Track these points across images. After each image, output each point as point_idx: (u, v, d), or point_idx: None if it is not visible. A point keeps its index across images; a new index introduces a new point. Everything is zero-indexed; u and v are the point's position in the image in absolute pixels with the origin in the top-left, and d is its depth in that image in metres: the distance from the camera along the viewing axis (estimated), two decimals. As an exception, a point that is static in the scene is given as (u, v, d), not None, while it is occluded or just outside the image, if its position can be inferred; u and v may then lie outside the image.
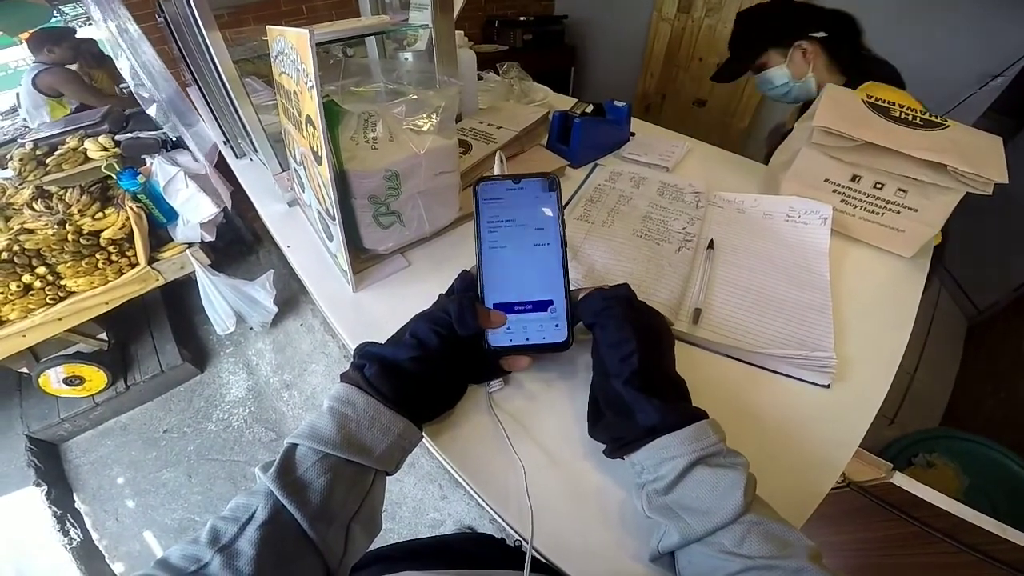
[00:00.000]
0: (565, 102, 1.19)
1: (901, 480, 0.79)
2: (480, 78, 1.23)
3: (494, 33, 2.95)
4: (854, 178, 0.73)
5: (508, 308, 0.50)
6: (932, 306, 2.04)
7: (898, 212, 0.71)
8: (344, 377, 0.44)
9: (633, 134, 1.06)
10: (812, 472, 0.47)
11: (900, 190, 0.70)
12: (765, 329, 0.60)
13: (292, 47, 0.55)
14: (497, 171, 0.63)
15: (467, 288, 0.52)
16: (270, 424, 1.73)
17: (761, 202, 0.79)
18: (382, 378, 0.42)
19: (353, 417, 0.40)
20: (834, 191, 0.75)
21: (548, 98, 1.26)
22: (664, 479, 0.37)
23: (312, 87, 0.50)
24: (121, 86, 2.39)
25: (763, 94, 1.11)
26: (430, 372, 0.45)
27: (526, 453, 0.47)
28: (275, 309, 1.86)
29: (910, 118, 0.70)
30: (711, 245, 0.70)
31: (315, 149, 0.56)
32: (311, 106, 0.52)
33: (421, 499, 1.48)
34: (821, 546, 0.33)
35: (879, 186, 0.71)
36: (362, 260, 0.69)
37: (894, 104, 0.73)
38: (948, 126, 0.69)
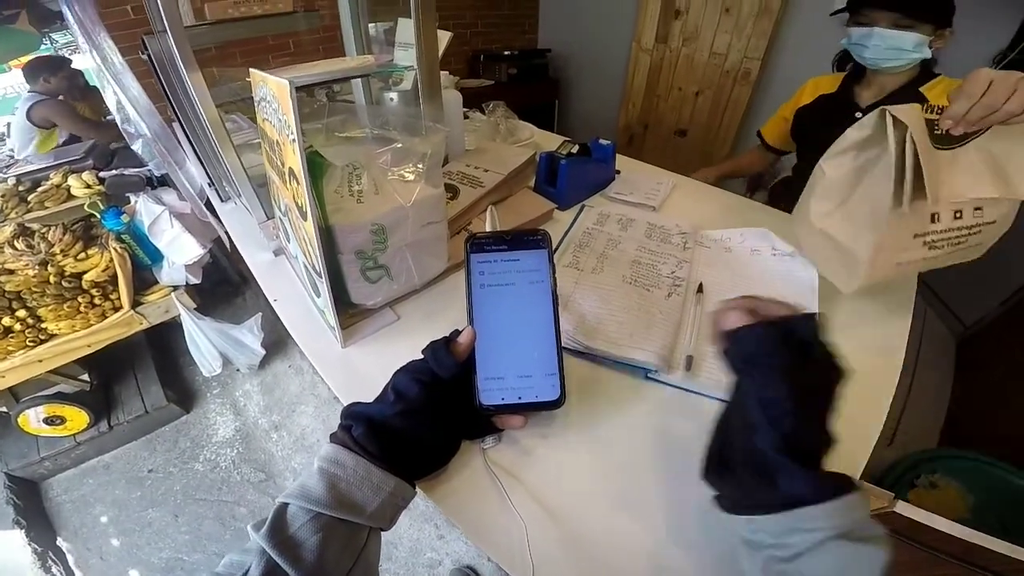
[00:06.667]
0: (551, 140, 1.20)
1: (905, 508, 0.79)
2: (466, 117, 1.24)
3: (479, 68, 3.00)
4: (933, 218, 0.63)
5: (500, 368, 0.50)
6: (920, 325, 2.05)
7: (979, 232, 0.64)
8: (333, 438, 0.43)
9: (618, 172, 1.07)
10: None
11: (976, 209, 0.62)
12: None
13: (274, 95, 0.54)
14: (489, 226, 0.62)
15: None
16: (259, 465, 1.69)
17: (747, 237, 0.79)
18: (370, 437, 0.42)
19: (343, 477, 0.40)
20: (924, 243, 0.64)
21: (534, 137, 1.28)
22: (790, 548, 0.33)
23: (294, 140, 0.50)
24: (107, 118, 2.38)
25: None
26: (418, 425, 0.44)
27: (524, 508, 0.47)
28: (263, 352, 1.84)
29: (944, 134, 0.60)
30: (700, 289, 0.70)
31: (299, 204, 0.55)
32: (294, 160, 0.52)
33: (417, 539, 1.44)
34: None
35: (959, 215, 0.63)
36: (350, 315, 0.68)
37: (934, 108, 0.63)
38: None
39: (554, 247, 0.80)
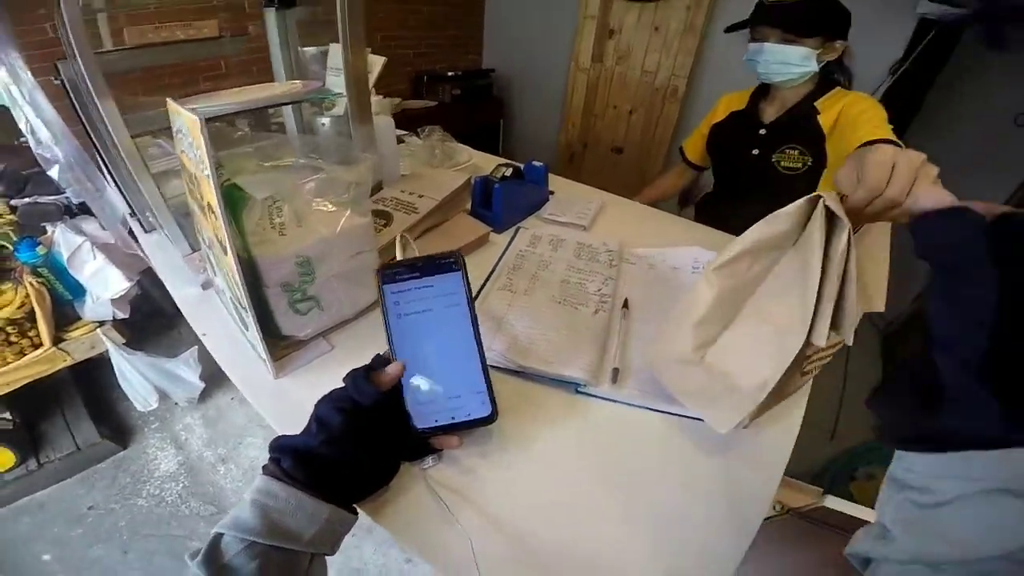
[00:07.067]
0: (489, 162, 1.22)
1: (833, 502, 0.85)
2: (402, 141, 1.24)
3: (423, 88, 2.98)
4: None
5: (428, 392, 0.51)
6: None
7: (830, 355, 0.53)
8: (264, 470, 0.44)
9: (552, 192, 1.10)
10: (743, 507, 0.50)
11: None
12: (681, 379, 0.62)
13: (188, 128, 0.52)
14: (400, 255, 0.62)
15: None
16: (208, 498, 1.63)
17: (668, 256, 0.84)
18: (299, 468, 0.43)
19: (275, 507, 0.40)
20: (804, 370, 0.53)
21: (472, 160, 1.28)
22: (937, 495, 0.28)
23: (209, 176, 0.49)
24: (20, 139, 2.22)
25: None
26: (344, 452, 0.45)
27: (470, 524, 0.48)
28: (202, 385, 1.75)
29: None
30: (626, 304, 0.74)
31: (220, 239, 0.55)
32: (210, 194, 0.51)
33: (384, 564, 1.42)
34: (783, 568, 0.33)
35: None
36: (283, 347, 0.67)
37: None
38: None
39: (490, 270, 0.82)
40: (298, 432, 0.48)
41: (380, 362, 0.51)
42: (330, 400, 0.48)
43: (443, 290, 0.52)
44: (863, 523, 0.76)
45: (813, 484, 0.88)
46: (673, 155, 2.53)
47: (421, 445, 0.52)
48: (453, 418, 0.51)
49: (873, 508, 0.73)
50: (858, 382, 1.85)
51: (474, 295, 0.76)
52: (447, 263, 0.53)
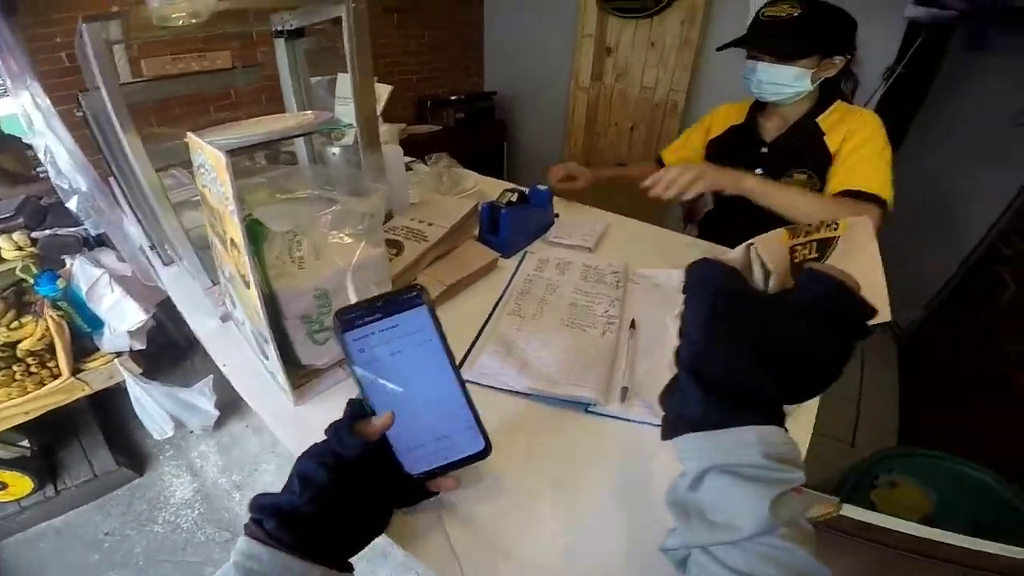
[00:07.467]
0: (494, 187, 1.25)
1: (851, 511, 0.84)
2: (409, 168, 1.27)
3: (427, 113, 3.02)
4: None
5: (416, 437, 0.49)
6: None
7: None
8: (247, 530, 0.41)
9: (557, 215, 1.13)
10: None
11: None
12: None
13: (211, 164, 0.53)
14: (353, 298, 0.56)
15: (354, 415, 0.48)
16: (223, 524, 1.64)
17: (674, 276, 0.85)
18: (283, 529, 0.40)
19: (260, 570, 0.38)
20: None
21: (479, 186, 1.31)
22: (686, 476, 0.35)
23: (233, 212, 0.50)
24: (38, 170, 2.26)
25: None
26: (331, 508, 0.42)
27: (487, 549, 0.49)
28: (216, 413, 1.76)
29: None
30: (633, 324, 0.76)
31: (242, 273, 0.57)
32: (234, 230, 0.52)
33: (398, 587, 1.42)
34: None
35: None
36: (301, 375, 0.69)
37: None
38: (837, 240, 0.53)
39: (499, 295, 0.84)
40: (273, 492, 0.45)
41: (359, 409, 0.48)
42: (312, 455, 0.45)
43: (409, 328, 0.47)
44: (883, 531, 0.76)
45: (834, 494, 0.88)
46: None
47: (416, 491, 0.50)
48: (447, 459, 0.49)
49: (895, 516, 0.74)
50: (875, 392, 1.85)
51: (484, 320, 0.78)
52: (409, 298, 0.47)
